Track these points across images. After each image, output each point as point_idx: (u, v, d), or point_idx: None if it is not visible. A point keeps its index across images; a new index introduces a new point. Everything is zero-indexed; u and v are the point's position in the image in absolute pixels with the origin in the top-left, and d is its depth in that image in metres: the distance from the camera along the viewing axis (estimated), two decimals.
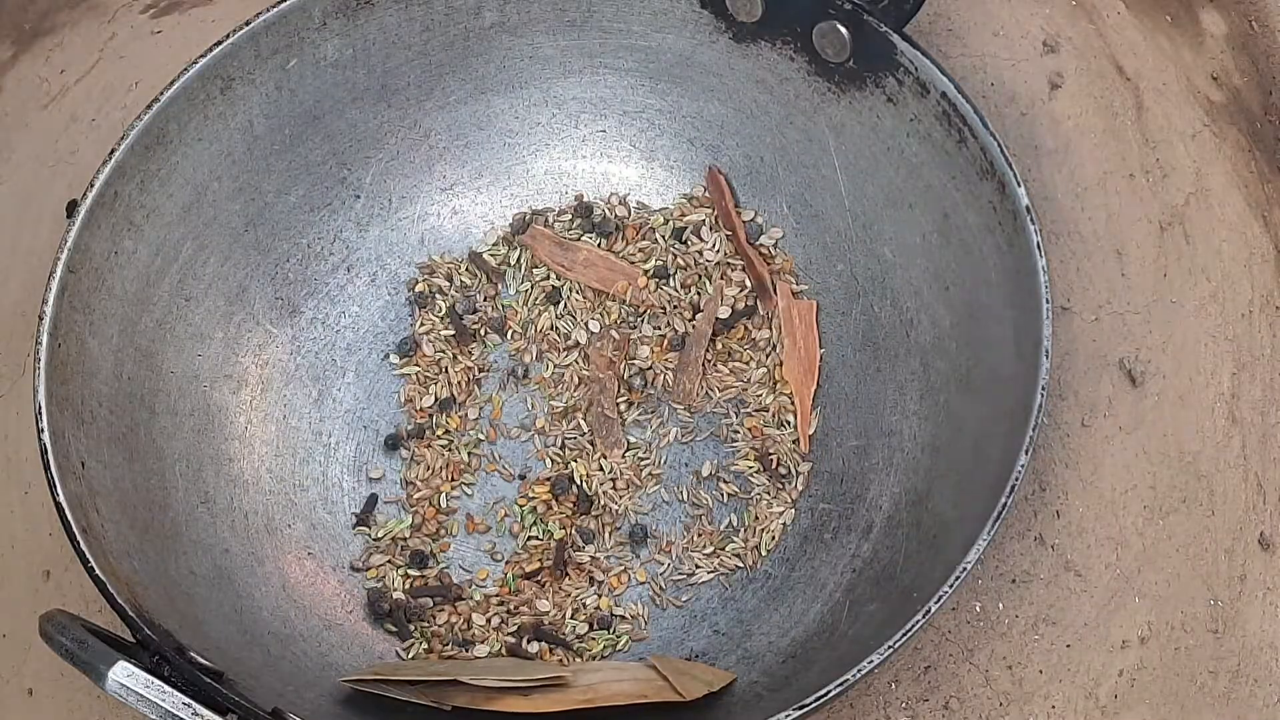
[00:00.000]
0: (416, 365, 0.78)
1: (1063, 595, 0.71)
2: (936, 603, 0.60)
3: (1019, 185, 0.67)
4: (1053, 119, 0.81)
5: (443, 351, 0.78)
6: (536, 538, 0.74)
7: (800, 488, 0.74)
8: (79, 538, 0.62)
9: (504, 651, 0.71)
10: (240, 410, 0.75)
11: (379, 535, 0.74)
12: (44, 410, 0.64)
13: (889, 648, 0.59)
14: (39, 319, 0.66)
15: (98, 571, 0.61)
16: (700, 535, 0.73)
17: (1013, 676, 0.69)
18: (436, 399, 0.77)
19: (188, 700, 0.56)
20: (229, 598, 0.69)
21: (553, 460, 0.75)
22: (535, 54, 0.79)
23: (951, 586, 0.60)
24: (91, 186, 0.69)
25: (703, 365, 0.76)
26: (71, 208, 0.69)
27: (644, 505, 0.74)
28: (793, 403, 0.75)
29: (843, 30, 0.72)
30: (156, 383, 0.72)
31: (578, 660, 0.71)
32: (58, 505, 0.62)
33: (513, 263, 0.80)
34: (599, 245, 0.79)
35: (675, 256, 0.79)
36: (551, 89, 0.80)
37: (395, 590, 0.72)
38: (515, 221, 0.80)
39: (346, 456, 0.76)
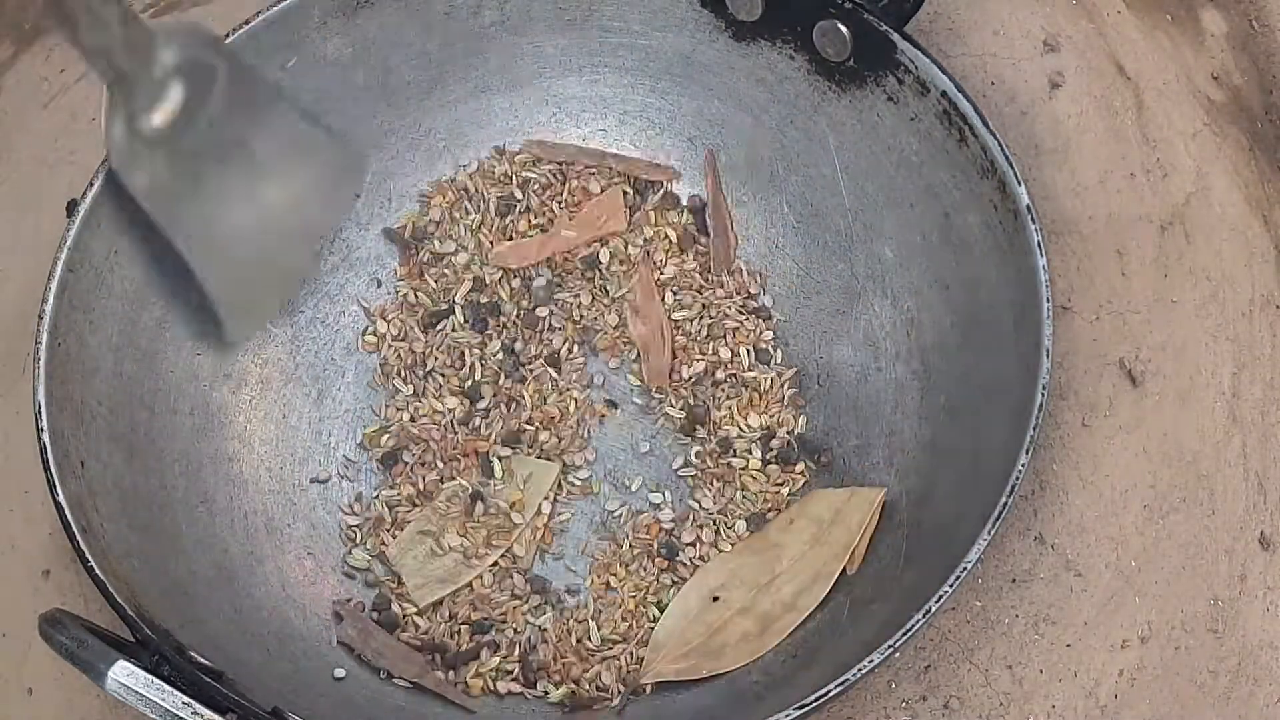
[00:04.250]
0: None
1: (1063, 595, 0.71)
2: (937, 602, 0.60)
3: (1019, 184, 0.67)
4: (1053, 118, 0.81)
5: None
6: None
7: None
8: (78, 537, 0.62)
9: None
10: (240, 410, 0.75)
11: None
12: (43, 410, 0.64)
13: (889, 647, 0.59)
14: (39, 318, 0.66)
15: (97, 571, 0.61)
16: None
17: (1013, 676, 0.69)
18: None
19: (188, 699, 0.56)
20: (229, 598, 0.69)
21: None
22: (535, 53, 0.79)
23: (952, 586, 0.60)
24: (91, 186, 0.69)
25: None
26: (71, 207, 0.69)
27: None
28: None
29: (843, 29, 0.72)
30: (156, 382, 0.72)
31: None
32: (57, 505, 0.62)
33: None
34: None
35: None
36: (551, 88, 0.80)
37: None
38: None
39: (346, 456, 0.76)
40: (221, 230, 0.65)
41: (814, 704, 0.59)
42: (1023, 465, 0.62)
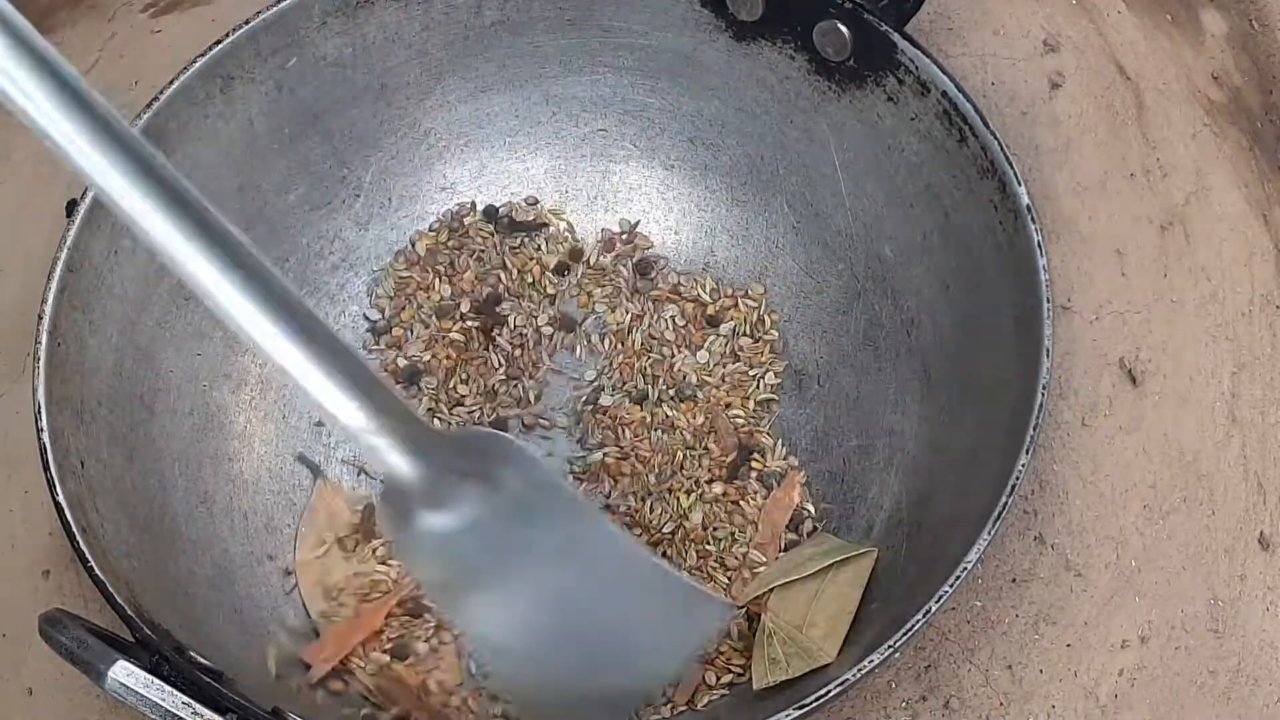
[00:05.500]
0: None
1: (1063, 595, 0.71)
2: (937, 602, 0.60)
3: (1019, 184, 0.67)
4: (1053, 118, 0.81)
5: None
6: None
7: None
8: (78, 537, 0.62)
9: None
10: (240, 409, 0.75)
11: None
12: (43, 410, 0.64)
13: (889, 648, 0.59)
14: (38, 318, 0.66)
15: (97, 571, 0.61)
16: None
17: (1013, 676, 0.69)
18: None
19: (188, 700, 0.56)
20: (229, 598, 0.69)
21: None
22: (535, 53, 0.79)
23: (952, 586, 0.60)
24: None
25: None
26: (71, 207, 0.69)
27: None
28: None
29: (843, 29, 0.72)
30: (156, 382, 0.72)
31: None
32: (57, 505, 0.62)
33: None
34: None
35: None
36: (551, 88, 0.80)
37: None
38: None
39: (346, 456, 0.76)
40: (518, 646, 0.59)
41: (814, 704, 0.59)
42: (1023, 465, 0.62)
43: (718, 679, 0.69)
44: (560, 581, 0.57)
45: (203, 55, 0.71)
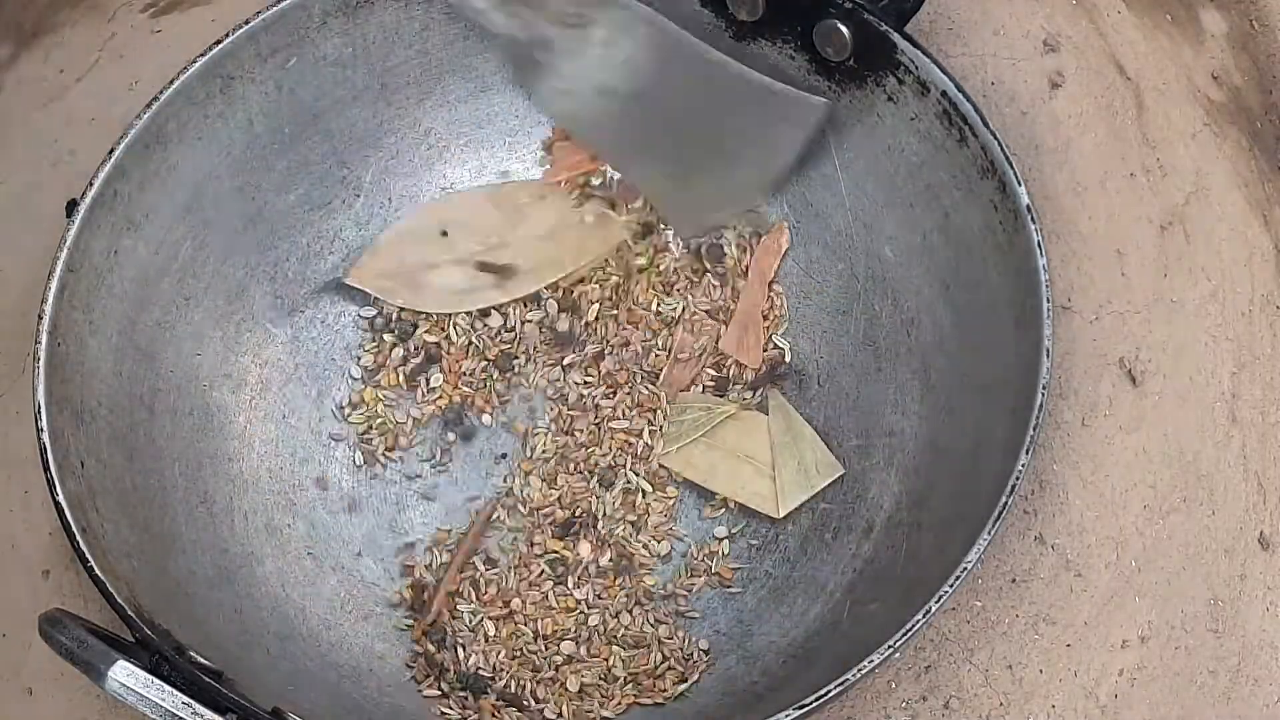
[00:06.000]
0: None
1: (1063, 595, 0.71)
2: (937, 602, 0.60)
3: (1019, 184, 0.67)
4: (1053, 118, 0.81)
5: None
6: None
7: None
8: (78, 537, 0.62)
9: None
10: (240, 410, 0.75)
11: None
12: (43, 410, 0.64)
13: (889, 648, 0.59)
14: (38, 319, 0.66)
15: (97, 571, 0.61)
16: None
17: (1013, 676, 0.69)
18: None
19: (188, 700, 0.56)
20: (229, 598, 0.69)
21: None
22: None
23: (952, 586, 0.60)
24: (91, 186, 0.69)
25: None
26: (71, 207, 0.69)
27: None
28: None
29: (843, 29, 0.72)
30: (156, 382, 0.72)
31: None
32: (57, 505, 0.62)
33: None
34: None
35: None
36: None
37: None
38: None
39: (346, 456, 0.76)
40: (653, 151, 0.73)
41: (814, 704, 0.59)
42: (1023, 465, 0.62)
43: None
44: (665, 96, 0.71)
45: (203, 55, 0.71)
